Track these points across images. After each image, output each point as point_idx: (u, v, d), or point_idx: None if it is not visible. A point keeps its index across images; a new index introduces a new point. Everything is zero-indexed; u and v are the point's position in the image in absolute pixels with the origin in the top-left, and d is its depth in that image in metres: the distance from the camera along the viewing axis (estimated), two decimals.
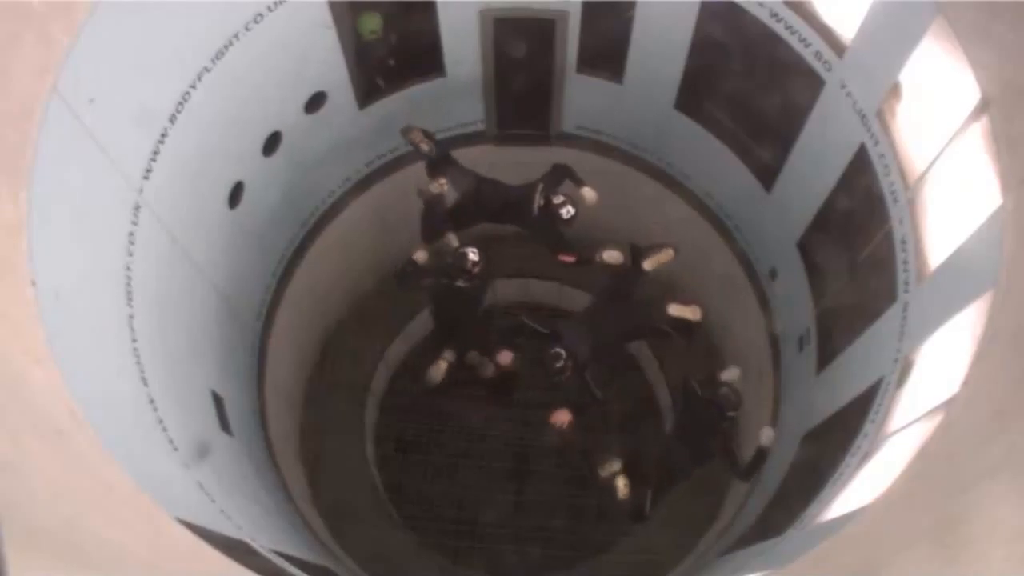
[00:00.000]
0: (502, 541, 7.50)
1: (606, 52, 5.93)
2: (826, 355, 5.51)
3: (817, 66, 4.76)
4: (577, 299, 7.44)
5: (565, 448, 5.84)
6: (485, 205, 6.10)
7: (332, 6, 5.06)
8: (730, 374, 5.66)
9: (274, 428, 6.22)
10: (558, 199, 5.75)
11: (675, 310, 5.74)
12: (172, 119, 4.17)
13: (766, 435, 5.47)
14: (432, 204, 6.09)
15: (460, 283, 5.93)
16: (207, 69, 4.33)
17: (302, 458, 7.00)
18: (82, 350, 3.30)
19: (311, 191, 6.32)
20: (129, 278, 3.89)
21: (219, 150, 4.76)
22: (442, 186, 5.90)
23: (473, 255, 5.73)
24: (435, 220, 6.17)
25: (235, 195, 5.17)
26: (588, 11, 5.61)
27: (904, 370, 4.21)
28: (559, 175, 6.02)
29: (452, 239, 6.03)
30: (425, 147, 5.91)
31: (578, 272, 6.45)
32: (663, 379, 7.71)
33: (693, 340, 6.00)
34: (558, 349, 5.54)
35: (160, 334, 4.19)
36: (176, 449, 3.99)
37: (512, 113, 6.63)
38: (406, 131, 5.92)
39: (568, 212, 5.71)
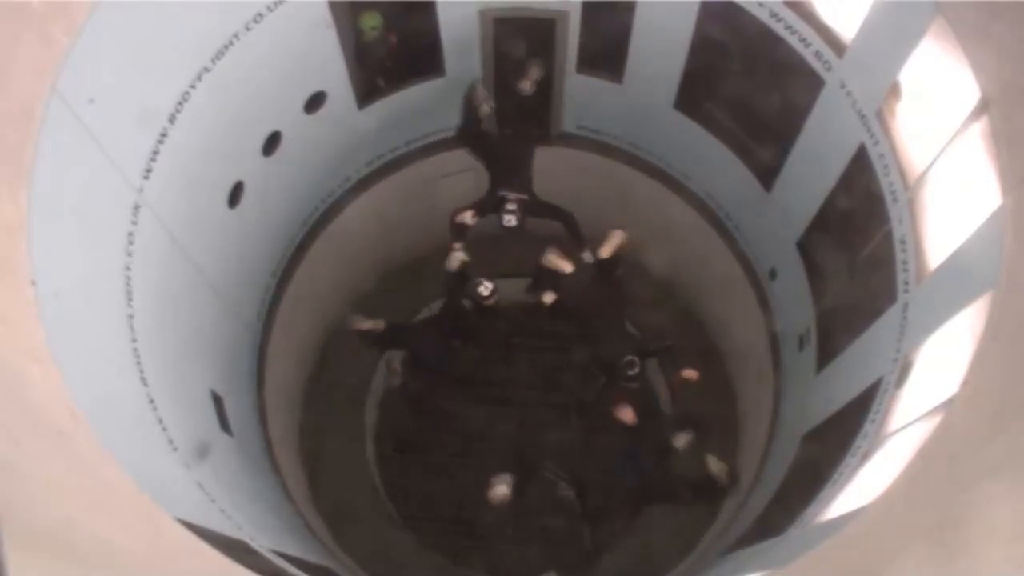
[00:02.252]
0: (502, 541, 7.50)
1: (606, 52, 5.93)
2: (826, 355, 5.51)
3: (817, 66, 4.75)
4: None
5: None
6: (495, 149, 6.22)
7: (332, 6, 5.06)
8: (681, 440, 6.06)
9: (274, 428, 6.21)
10: (511, 207, 5.91)
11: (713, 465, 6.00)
12: (172, 119, 4.17)
13: (714, 464, 5.88)
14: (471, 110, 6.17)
15: (465, 303, 6.03)
16: (207, 69, 4.33)
17: (302, 458, 7.00)
18: (82, 350, 3.30)
19: (311, 191, 6.32)
20: (129, 278, 3.89)
21: (219, 150, 4.76)
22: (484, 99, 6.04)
23: (485, 290, 5.93)
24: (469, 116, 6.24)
25: (235, 195, 5.16)
26: (588, 11, 5.61)
27: (904, 370, 4.21)
28: (553, 213, 6.20)
29: (467, 217, 6.15)
30: (487, 108, 6.02)
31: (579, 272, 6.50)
32: (663, 378, 7.71)
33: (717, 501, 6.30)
34: (631, 357, 5.95)
35: (160, 334, 4.19)
36: (176, 449, 3.99)
37: (512, 113, 6.63)
38: (473, 87, 6.03)
39: (509, 221, 5.92)
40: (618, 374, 6.05)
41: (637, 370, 6.00)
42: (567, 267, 6.09)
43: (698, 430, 6.20)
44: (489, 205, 6.10)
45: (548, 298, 6.25)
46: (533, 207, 6.05)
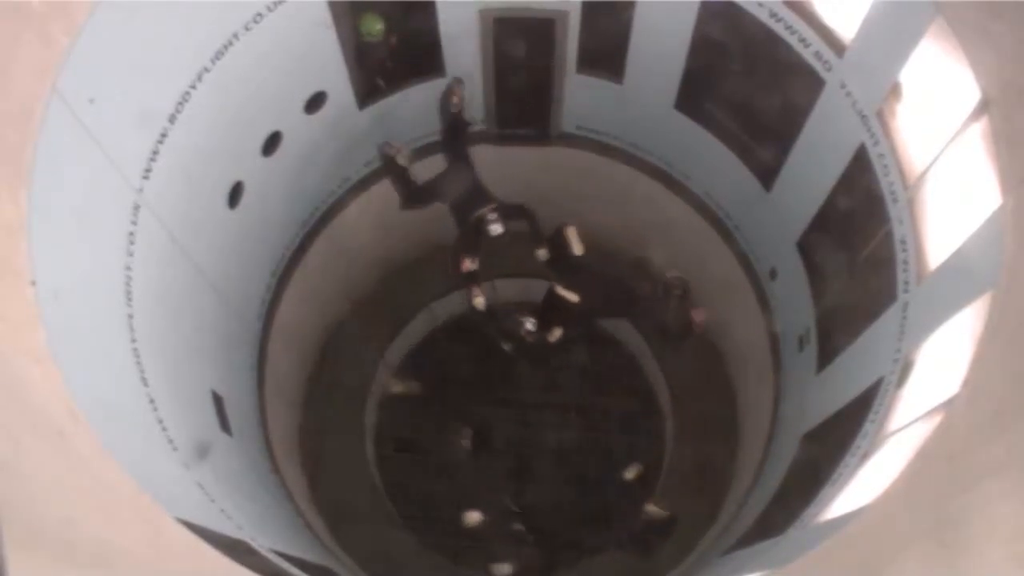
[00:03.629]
0: (502, 541, 7.50)
1: (606, 52, 5.93)
2: (826, 355, 5.51)
3: (817, 66, 4.75)
4: None
5: None
6: (461, 204, 6.38)
7: (332, 6, 5.06)
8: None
9: (274, 428, 6.22)
10: (491, 217, 6.11)
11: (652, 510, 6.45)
12: (172, 119, 4.17)
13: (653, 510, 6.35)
14: (391, 165, 6.31)
15: (506, 347, 6.19)
16: (207, 69, 4.33)
17: (302, 458, 7.00)
18: (82, 350, 3.30)
19: (311, 191, 6.33)
20: (129, 278, 3.89)
21: (219, 150, 4.76)
22: (398, 150, 6.17)
23: (531, 325, 6.24)
24: (405, 187, 6.39)
25: (235, 195, 5.16)
26: (588, 11, 5.61)
27: (904, 370, 4.21)
28: (520, 212, 6.39)
29: (470, 263, 6.35)
30: (456, 100, 6.03)
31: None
32: (663, 378, 7.72)
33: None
34: (673, 276, 6.36)
35: (160, 334, 4.19)
36: (176, 449, 3.99)
37: (512, 113, 6.63)
38: (453, 86, 6.06)
39: (495, 231, 6.10)
40: (670, 293, 6.39)
41: (678, 280, 6.35)
42: (574, 297, 6.35)
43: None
44: (473, 237, 6.32)
45: (556, 334, 6.60)
46: (503, 209, 6.24)
